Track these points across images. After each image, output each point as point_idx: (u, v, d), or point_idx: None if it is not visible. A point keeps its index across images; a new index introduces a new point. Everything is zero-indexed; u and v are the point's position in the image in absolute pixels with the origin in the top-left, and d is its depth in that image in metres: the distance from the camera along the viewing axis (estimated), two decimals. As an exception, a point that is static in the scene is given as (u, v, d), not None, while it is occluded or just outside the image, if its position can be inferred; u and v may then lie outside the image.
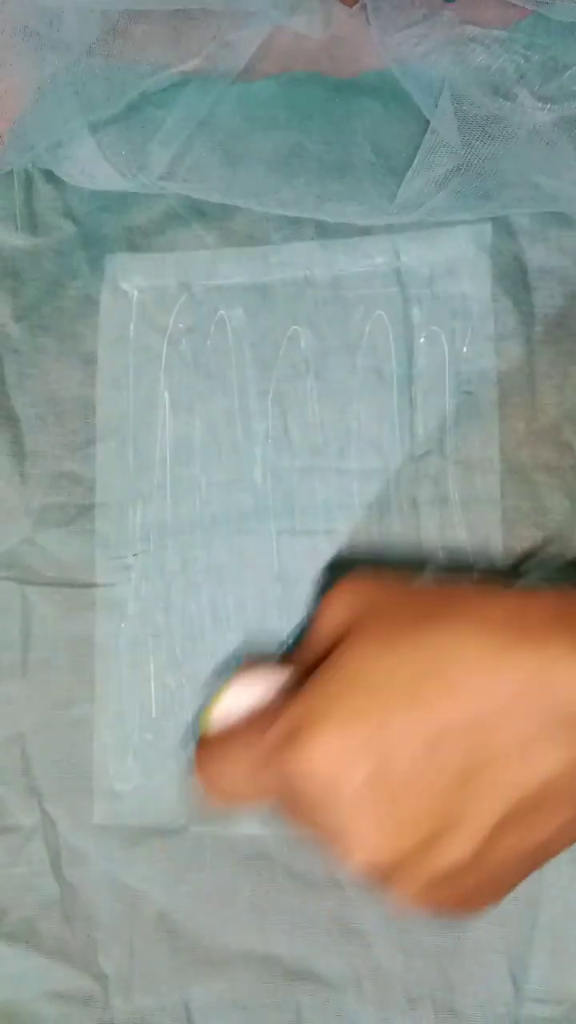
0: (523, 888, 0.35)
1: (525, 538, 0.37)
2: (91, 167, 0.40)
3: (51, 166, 0.42)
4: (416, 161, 0.37)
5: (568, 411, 0.37)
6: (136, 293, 0.42)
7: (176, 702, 0.40)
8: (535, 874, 0.34)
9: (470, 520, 0.38)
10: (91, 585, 0.40)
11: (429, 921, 0.36)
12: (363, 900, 0.37)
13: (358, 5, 0.41)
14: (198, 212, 0.42)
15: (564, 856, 0.34)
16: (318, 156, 0.41)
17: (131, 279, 0.42)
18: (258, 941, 0.38)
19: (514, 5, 0.39)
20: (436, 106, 0.37)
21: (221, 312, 0.41)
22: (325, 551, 0.39)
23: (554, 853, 0.29)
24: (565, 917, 0.35)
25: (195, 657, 0.40)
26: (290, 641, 0.39)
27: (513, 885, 0.30)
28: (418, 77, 0.38)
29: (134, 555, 0.40)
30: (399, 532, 0.38)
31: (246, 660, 0.39)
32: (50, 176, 0.43)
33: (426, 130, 0.39)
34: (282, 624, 0.39)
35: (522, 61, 0.38)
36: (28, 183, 0.43)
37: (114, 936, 0.39)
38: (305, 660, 0.32)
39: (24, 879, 0.40)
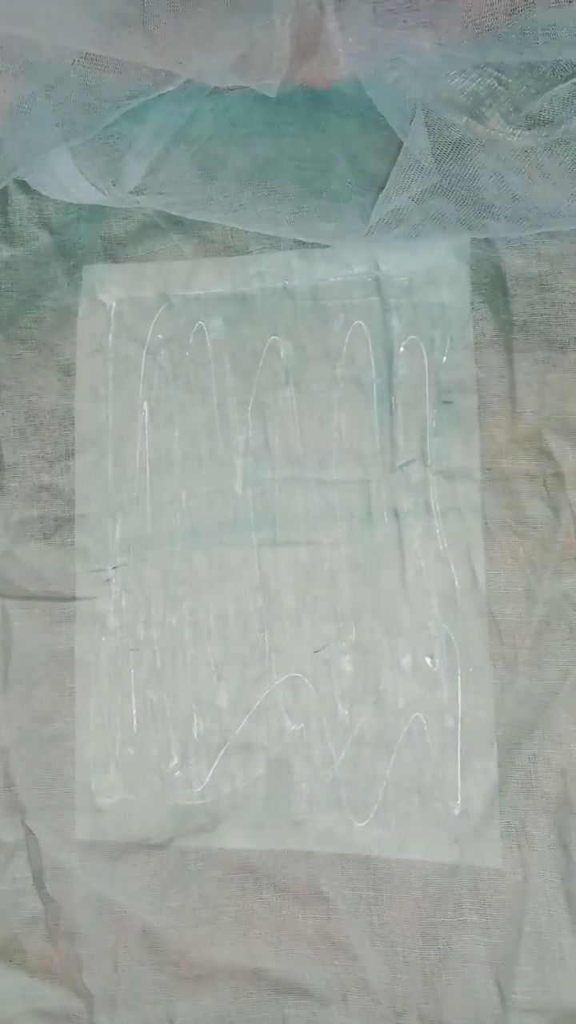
0: (507, 898, 0.35)
1: (506, 546, 0.37)
2: (66, 181, 0.40)
3: (26, 178, 0.42)
4: (390, 181, 0.37)
5: (548, 419, 0.37)
6: (114, 304, 0.41)
7: (157, 716, 0.39)
8: (520, 884, 0.35)
9: (452, 529, 0.37)
10: (71, 598, 0.40)
11: (415, 934, 0.36)
12: (349, 913, 0.37)
13: (330, 20, 0.41)
14: (176, 222, 0.41)
15: (550, 864, 0.34)
16: (294, 168, 0.40)
17: (109, 290, 0.41)
18: (244, 955, 0.37)
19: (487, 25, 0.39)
20: (409, 127, 0.37)
21: (200, 322, 0.41)
22: (306, 562, 0.39)
23: None
24: (550, 927, 0.35)
25: (176, 670, 0.39)
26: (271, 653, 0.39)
27: None
28: (391, 98, 0.38)
29: (114, 568, 0.40)
30: (381, 542, 0.38)
31: None
32: (26, 187, 0.43)
33: (401, 142, 0.39)
34: (264, 636, 0.39)
35: (496, 84, 0.38)
36: (3, 194, 0.43)
37: (98, 953, 0.38)
38: None
39: (7, 896, 0.39)
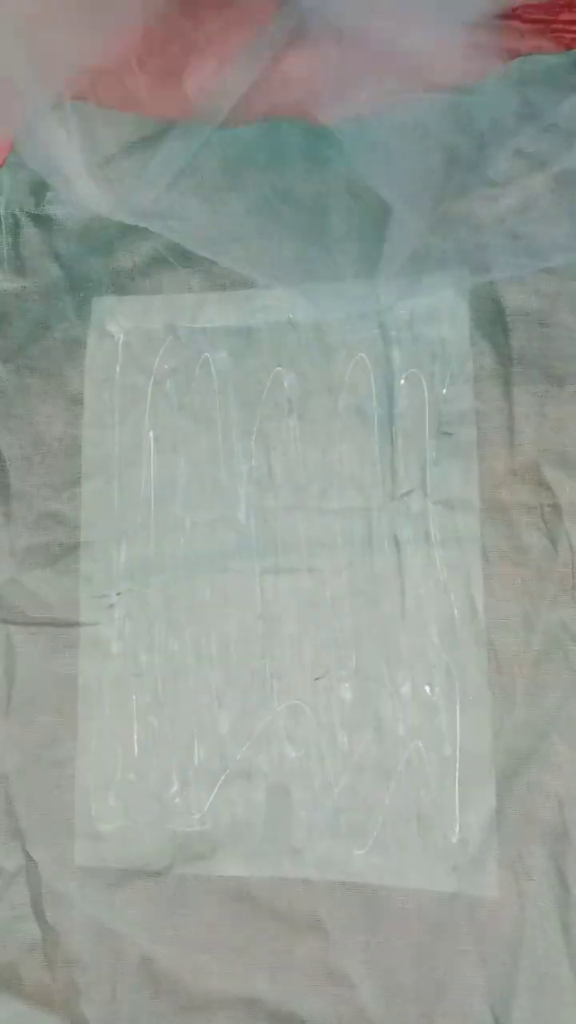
0: (504, 929, 0.35)
1: (505, 576, 0.37)
2: (77, 202, 0.41)
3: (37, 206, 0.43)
4: (388, 239, 0.38)
5: (545, 451, 0.38)
6: (122, 335, 0.42)
7: (159, 741, 0.40)
8: (517, 914, 0.35)
9: (451, 558, 0.38)
10: (75, 624, 0.41)
11: (412, 963, 0.36)
12: (346, 942, 0.37)
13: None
14: (183, 256, 0.42)
15: (547, 895, 0.34)
16: (297, 205, 0.42)
17: (117, 321, 0.42)
18: (241, 984, 0.37)
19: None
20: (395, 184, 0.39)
21: (206, 354, 0.42)
22: (308, 589, 0.39)
23: None
24: (547, 958, 0.35)
25: (178, 696, 0.40)
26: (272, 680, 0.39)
27: None
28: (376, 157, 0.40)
29: (118, 594, 0.41)
30: (381, 570, 0.39)
31: None
32: (37, 219, 0.44)
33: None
34: (265, 663, 0.39)
35: (488, 128, 0.39)
36: (15, 226, 0.44)
37: (97, 981, 0.38)
38: None
39: (6, 923, 0.39)
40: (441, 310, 0.40)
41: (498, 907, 0.36)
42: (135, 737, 0.40)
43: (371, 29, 0.42)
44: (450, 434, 0.39)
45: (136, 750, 0.40)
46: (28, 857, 0.39)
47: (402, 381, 0.40)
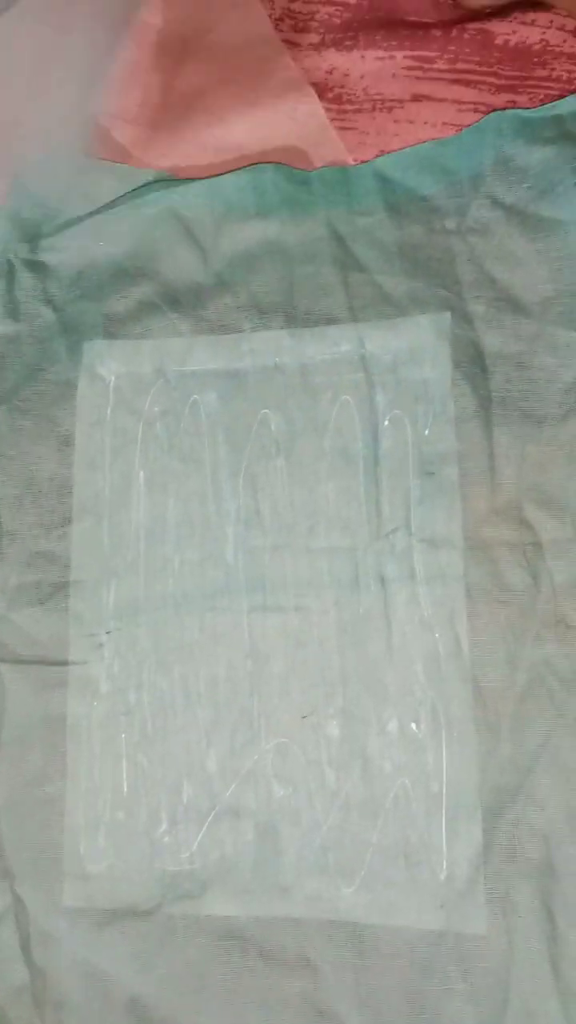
0: (493, 965, 0.35)
1: (489, 613, 0.38)
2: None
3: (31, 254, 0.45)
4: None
5: (526, 490, 0.39)
6: (113, 378, 0.43)
7: (148, 780, 0.40)
8: (506, 950, 0.35)
9: (435, 595, 0.39)
10: (64, 663, 0.41)
11: (402, 1002, 0.36)
12: (336, 981, 0.37)
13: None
14: (172, 301, 0.44)
15: (535, 931, 0.35)
16: (283, 251, 0.43)
17: (108, 365, 0.43)
18: None
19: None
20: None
21: (195, 397, 0.42)
22: (295, 628, 0.40)
23: None
24: (536, 994, 0.35)
25: (166, 735, 0.40)
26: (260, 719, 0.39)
27: None
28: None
29: (107, 633, 0.41)
30: (368, 608, 0.39)
31: None
32: (31, 265, 0.45)
33: (380, 221, 0.42)
34: (253, 701, 0.40)
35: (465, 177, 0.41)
36: (10, 272, 0.45)
37: (85, 1023, 0.38)
38: None
39: None
40: (423, 353, 0.41)
41: (486, 943, 0.36)
42: (124, 776, 0.40)
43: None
44: (433, 473, 0.40)
45: (125, 789, 0.40)
46: (16, 897, 0.39)
47: (386, 422, 0.40)
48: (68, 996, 0.39)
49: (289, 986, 0.37)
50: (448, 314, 0.41)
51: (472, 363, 0.40)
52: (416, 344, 0.41)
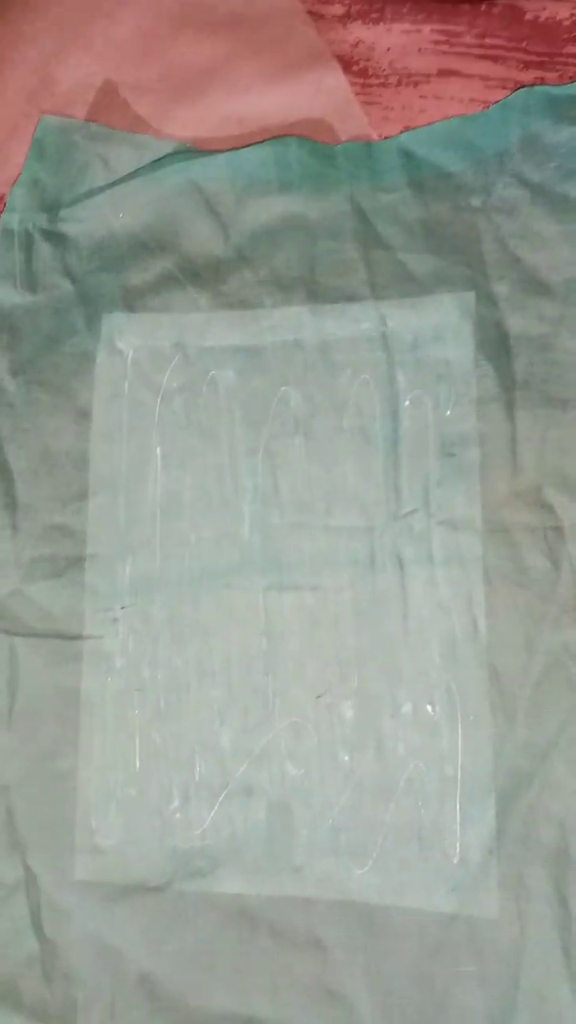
0: (505, 949, 0.35)
1: (507, 597, 0.38)
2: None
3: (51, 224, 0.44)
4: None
5: (547, 473, 0.38)
6: (131, 352, 0.43)
7: (160, 757, 0.40)
8: (517, 935, 0.35)
9: (453, 578, 0.38)
10: (79, 637, 0.41)
11: (412, 984, 0.36)
12: (346, 962, 0.37)
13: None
14: (193, 275, 0.43)
15: (548, 916, 0.34)
16: (305, 226, 0.42)
17: (127, 338, 0.43)
18: (240, 1003, 0.37)
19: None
20: None
21: (213, 372, 0.42)
22: (311, 607, 0.39)
23: None
24: (547, 980, 0.35)
25: (180, 712, 0.40)
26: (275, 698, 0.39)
27: None
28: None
29: (122, 608, 0.41)
30: (384, 589, 0.39)
31: None
32: (50, 236, 0.45)
33: (404, 197, 0.41)
34: (267, 680, 0.39)
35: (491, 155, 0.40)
36: (28, 242, 0.45)
37: (94, 997, 0.38)
38: None
39: (5, 936, 0.39)
40: (446, 332, 0.40)
41: (498, 928, 0.36)
42: (137, 752, 0.40)
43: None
44: (453, 455, 0.39)
45: (137, 765, 0.40)
46: (28, 869, 0.39)
47: (407, 402, 0.40)
48: (78, 970, 0.39)
49: (299, 965, 0.37)
50: (472, 294, 0.40)
51: (495, 344, 0.40)
52: (439, 323, 0.40)
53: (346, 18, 0.44)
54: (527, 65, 0.43)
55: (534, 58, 0.43)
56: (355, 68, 0.44)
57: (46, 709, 0.41)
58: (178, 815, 0.39)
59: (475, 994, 0.36)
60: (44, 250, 0.45)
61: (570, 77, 0.42)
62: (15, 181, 0.45)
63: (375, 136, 0.43)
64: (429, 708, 0.38)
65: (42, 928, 0.39)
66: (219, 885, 0.38)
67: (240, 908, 0.38)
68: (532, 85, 0.42)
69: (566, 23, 0.43)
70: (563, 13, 0.43)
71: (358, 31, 0.44)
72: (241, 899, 0.38)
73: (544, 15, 0.43)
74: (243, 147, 0.44)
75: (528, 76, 0.43)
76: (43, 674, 0.41)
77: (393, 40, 0.44)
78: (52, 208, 0.45)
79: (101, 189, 0.44)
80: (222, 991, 0.37)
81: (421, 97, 0.43)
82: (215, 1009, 0.37)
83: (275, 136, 0.44)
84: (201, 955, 0.38)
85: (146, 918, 0.39)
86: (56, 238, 0.45)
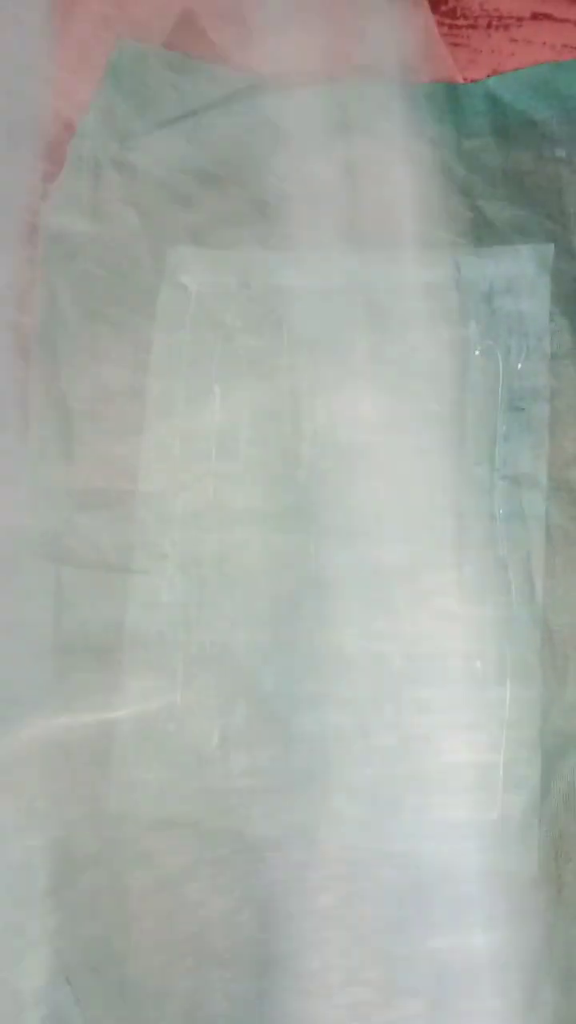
0: (541, 909, 0.35)
1: (567, 557, 0.37)
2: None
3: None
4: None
5: (618, 435, 0.37)
6: (196, 287, 0.42)
7: (201, 696, 0.39)
8: (554, 895, 0.34)
9: (513, 535, 0.38)
10: (126, 571, 0.40)
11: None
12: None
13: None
14: (263, 213, 0.42)
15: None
16: (381, 169, 0.41)
17: (192, 273, 0.42)
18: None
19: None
20: None
21: (278, 313, 0.41)
22: (364, 555, 0.39)
23: None
24: (582, 942, 0.35)
25: (224, 653, 0.39)
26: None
27: None
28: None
29: (172, 544, 0.40)
30: (441, 541, 0.38)
31: None
32: (119, 166, 0.44)
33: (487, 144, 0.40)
34: (314, 626, 0.39)
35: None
36: (97, 171, 0.44)
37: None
38: None
39: None
40: (521, 284, 0.39)
41: (535, 887, 0.35)
42: (179, 689, 0.40)
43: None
44: (522, 409, 0.38)
45: (179, 701, 0.39)
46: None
47: (477, 353, 0.39)
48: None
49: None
50: (551, 245, 0.39)
51: (572, 299, 0.39)
52: (515, 274, 0.39)
53: (437, -44, 0.43)
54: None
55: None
56: (444, 8, 0.43)
57: (89, 642, 0.40)
58: (217, 755, 0.39)
59: (506, 951, 0.35)
60: (112, 179, 0.44)
61: None
62: (87, 107, 0.45)
63: (461, 79, 0.42)
64: (478, 663, 0.37)
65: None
66: (252, 827, 0.38)
67: (270, 849, 0.38)
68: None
69: None
70: None
71: (448, -30, 0.43)
72: (271, 840, 0.38)
73: None
74: (322, 84, 0.43)
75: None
76: (88, 606, 0.41)
77: (485, -20, 0.42)
78: (123, 137, 0.44)
79: (174, 120, 0.44)
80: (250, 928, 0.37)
81: (511, 41, 0.42)
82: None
83: (357, 74, 0.43)
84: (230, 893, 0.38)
85: (175, 854, 0.38)
86: (125, 168, 0.44)
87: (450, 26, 0.43)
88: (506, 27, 0.42)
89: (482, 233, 0.40)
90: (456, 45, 0.42)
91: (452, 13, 0.43)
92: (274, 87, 0.43)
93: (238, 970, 0.37)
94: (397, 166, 0.41)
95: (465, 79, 0.42)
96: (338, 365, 0.40)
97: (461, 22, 0.43)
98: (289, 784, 0.38)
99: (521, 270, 0.39)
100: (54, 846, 0.39)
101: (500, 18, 0.42)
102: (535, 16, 0.42)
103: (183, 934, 0.38)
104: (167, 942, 0.38)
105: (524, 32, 0.42)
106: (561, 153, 0.40)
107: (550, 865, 0.35)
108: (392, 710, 0.38)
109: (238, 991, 0.37)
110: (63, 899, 0.39)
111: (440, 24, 0.43)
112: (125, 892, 0.39)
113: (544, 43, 0.42)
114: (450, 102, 0.41)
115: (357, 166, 0.42)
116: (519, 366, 0.39)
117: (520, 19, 0.42)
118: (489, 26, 0.42)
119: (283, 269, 0.41)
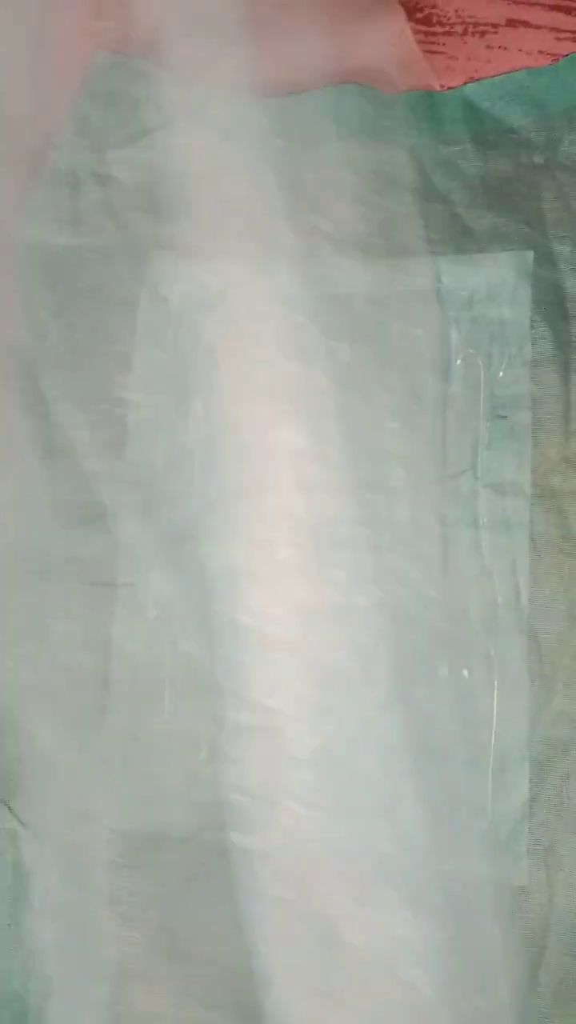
0: (532, 918, 0.35)
1: (552, 564, 0.37)
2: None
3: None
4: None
5: (600, 441, 0.37)
6: (176, 299, 0.42)
7: (189, 708, 0.39)
8: (545, 904, 0.34)
9: (498, 543, 0.38)
10: (112, 585, 0.40)
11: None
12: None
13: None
14: (242, 223, 0.42)
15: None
16: (362, 177, 0.41)
17: (171, 285, 0.42)
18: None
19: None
20: None
21: (259, 323, 0.41)
22: (350, 566, 0.39)
23: None
24: (572, 951, 0.35)
25: (212, 664, 0.39)
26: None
27: None
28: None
29: (156, 557, 0.40)
30: (426, 552, 0.38)
31: None
32: (97, 178, 0.43)
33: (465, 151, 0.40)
34: (300, 636, 0.39)
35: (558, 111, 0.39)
36: (75, 184, 0.44)
37: None
38: None
39: None
40: (502, 291, 0.39)
41: (526, 895, 0.35)
42: (166, 703, 0.39)
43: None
44: (504, 417, 0.38)
45: (166, 714, 0.39)
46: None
47: (458, 361, 0.39)
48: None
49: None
50: (531, 252, 0.39)
51: (553, 306, 0.39)
52: (495, 281, 0.39)
53: (412, -37, 0.43)
54: (596, 21, 0.41)
55: (603, 13, 0.41)
56: (419, 15, 0.43)
57: (77, 655, 0.40)
58: (205, 767, 0.39)
59: (498, 960, 0.35)
60: (91, 191, 0.44)
61: None
62: (64, 119, 0.44)
63: (438, 87, 0.42)
64: (465, 672, 0.37)
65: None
66: (244, 839, 0.38)
67: (266, 861, 0.38)
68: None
69: None
70: None
71: (423, -23, 0.43)
72: (266, 853, 0.38)
73: (620, -34, 0.41)
74: (300, 93, 0.43)
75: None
76: (74, 621, 0.40)
77: (460, -13, 0.42)
78: (101, 149, 0.44)
79: (152, 131, 0.43)
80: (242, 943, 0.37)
81: (487, 48, 0.42)
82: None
83: (333, 83, 0.42)
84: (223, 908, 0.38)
85: (170, 869, 0.38)
86: (104, 180, 0.44)
87: (426, 33, 0.43)
88: (482, 34, 0.42)
89: (461, 241, 0.40)
90: (432, 52, 0.42)
91: (428, 20, 0.43)
92: (249, 98, 0.43)
93: (229, 987, 0.37)
94: (374, 174, 0.41)
95: (442, 86, 0.42)
96: (321, 375, 0.40)
97: (437, 29, 0.43)
98: (279, 796, 0.38)
99: (501, 277, 0.39)
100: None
101: (476, 25, 0.42)
102: (511, 23, 0.42)
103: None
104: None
105: (500, 39, 0.42)
106: (539, 160, 0.40)
107: (540, 875, 0.35)
108: (379, 720, 0.37)
109: (229, 1003, 0.37)
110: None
111: (416, 31, 0.43)
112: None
113: (520, 49, 0.42)
114: (427, 109, 0.41)
115: (334, 174, 0.42)
116: (501, 374, 0.39)
117: (496, 26, 0.42)
118: (465, 33, 0.42)
119: (264, 279, 0.41)
